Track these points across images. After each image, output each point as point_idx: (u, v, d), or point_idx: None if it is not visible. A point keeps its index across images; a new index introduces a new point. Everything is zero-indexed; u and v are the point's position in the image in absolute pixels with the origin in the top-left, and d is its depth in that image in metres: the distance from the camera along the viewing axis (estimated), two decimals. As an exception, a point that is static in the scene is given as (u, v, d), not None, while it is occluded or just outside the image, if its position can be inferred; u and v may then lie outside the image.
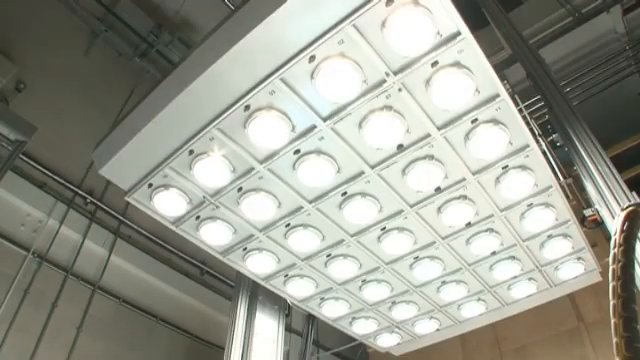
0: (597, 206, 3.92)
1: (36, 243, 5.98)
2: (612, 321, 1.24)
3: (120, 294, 6.81)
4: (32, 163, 6.11)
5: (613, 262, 1.31)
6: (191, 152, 3.12)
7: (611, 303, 1.27)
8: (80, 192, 6.53)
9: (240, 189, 3.35)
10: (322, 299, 4.42)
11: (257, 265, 3.99)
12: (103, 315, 6.47)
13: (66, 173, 6.45)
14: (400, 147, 3.13)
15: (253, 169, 3.21)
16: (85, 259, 6.40)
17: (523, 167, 3.37)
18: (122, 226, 6.91)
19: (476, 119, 3.04)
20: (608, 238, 5.36)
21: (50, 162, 6.32)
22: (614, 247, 1.35)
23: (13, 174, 5.76)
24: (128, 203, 3.52)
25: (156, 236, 7.11)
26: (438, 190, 3.44)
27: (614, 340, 1.22)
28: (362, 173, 3.25)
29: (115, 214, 6.83)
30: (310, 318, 4.90)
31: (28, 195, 6.02)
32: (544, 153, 3.98)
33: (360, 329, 4.85)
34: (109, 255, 6.66)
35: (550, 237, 3.97)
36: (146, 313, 7.04)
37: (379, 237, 3.72)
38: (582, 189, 4.36)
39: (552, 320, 6.55)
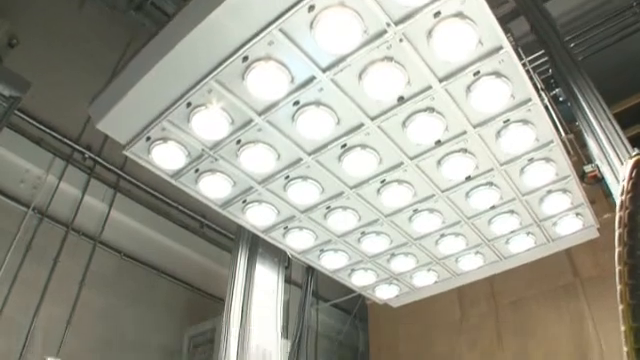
0: (598, 162, 3.91)
1: (36, 199, 5.99)
2: (617, 269, 1.23)
3: (121, 248, 6.85)
4: (28, 119, 6.04)
5: (620, 210, 1.29)
6: (189, 104, 3.09)
7: (617, 250, 1.25)
8: (78, 147, 6.49)
9: (239, 141, 3.33)
10: (321, 251, 4.45)
11: (256, 217, 4.02)
12: (105, 269, 6.53)
13: (63, 129, 6.39)
14: (400, 99, 3.10)
15: (252, 121, 3.18)
16: (85, 214, 6.41)
17: (525, 121, 3.34)
18: (121, 181, 6.89)
19: (478, 72, 2.99)
20: (607, 195, 5.39)
21: (46, 118, 6.25)
22: (622, 194, 1.33)
23: (10, 131, 5.71)
24: (127, 157, 3.51)
25: (156, 190, 7.10)
26: (438, 143, 3.42)
27: (618, 287, 1.20)
28: (362, 125, 3.22)
29: (114, 169, 6.81)
30: (309, 270, 4.94)
31: (26, 151, 5.98)
32: (546, 108, 3.95)
33: (359, 281, 4.90)
34: (109, 210, 6.66)
35: (549, 192, 3.97)
36: (147, 266, 7.11)
37: (378, 189, 3.73)
38: (583, 146, 4.34)
39: (548, 275, 6.61)
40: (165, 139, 3.34)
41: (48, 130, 6.24)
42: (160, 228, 7.14)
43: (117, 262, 6.76)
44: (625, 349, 1.18)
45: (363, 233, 4.23)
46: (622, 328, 1.21)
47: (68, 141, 6.42)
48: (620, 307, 1.18)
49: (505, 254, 4.64)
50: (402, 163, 3.52)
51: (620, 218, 1.26)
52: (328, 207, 3.91)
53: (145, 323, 6.81)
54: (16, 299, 5.44)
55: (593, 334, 6.17)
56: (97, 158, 6.65)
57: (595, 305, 6.27)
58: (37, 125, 6.14)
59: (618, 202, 1.31)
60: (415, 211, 4.00)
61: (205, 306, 7.29)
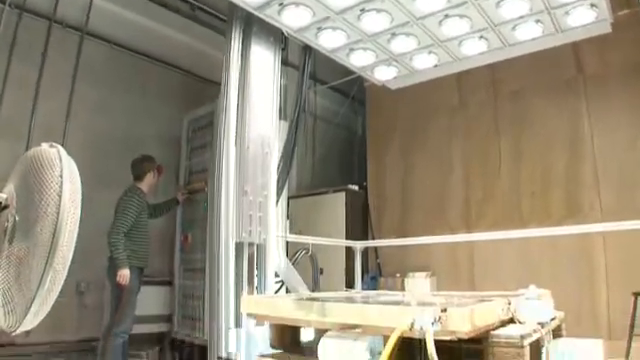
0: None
1: (9, -7, 5.58)
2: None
3: (110, 38, 6.61)
4: None
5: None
6: None
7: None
8: None
9: None
10: (319, 29, 4.30)
11: (248, -7, 3.80)
12: (95, 61, 6.37)
13: None
14: None
15: None
16: (67, 5, 6.02)
17: None
18: (102, -36, 6.39)
19: None
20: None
21: None
22: None
23: None
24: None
25: (140, -29, 6.66)
26: None
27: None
28: None
29: (90, -50, 6.24)
30: (307, 50, 4.81)
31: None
32: None
33: (357, 61, 4.84)
34: (91, -3, 6.29)
35: (567, -23, 3.70)
36: (139, 55, 6.96)
37: (381, -39, 3.46)
38: None
39: (552, 68, 6.52)
40: None
41: None
42: (149, 13, 6.83)
43: (107, 52, 6.58)
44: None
45: (363, 10, 4.02)
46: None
47: None
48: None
49: (510, 41, 4.49)
50: None
51: None
52: (326, -21, 3.68)
53: (140, 113, 6.87)
54: (12, 99, 5.39)
55: (587, 131, 6.32)
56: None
57: (594, 103, 6.34)
58: None
59: None
60: (419, -13, 3.76)
61: (201, 91, 7.28)
